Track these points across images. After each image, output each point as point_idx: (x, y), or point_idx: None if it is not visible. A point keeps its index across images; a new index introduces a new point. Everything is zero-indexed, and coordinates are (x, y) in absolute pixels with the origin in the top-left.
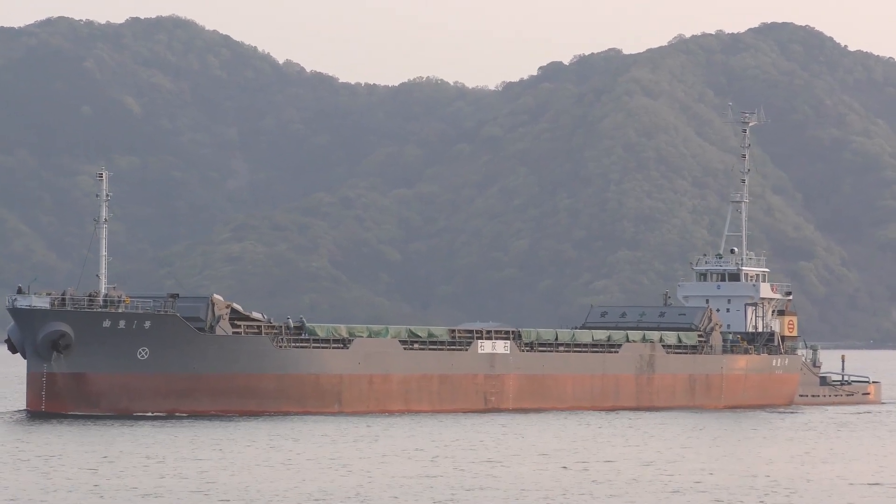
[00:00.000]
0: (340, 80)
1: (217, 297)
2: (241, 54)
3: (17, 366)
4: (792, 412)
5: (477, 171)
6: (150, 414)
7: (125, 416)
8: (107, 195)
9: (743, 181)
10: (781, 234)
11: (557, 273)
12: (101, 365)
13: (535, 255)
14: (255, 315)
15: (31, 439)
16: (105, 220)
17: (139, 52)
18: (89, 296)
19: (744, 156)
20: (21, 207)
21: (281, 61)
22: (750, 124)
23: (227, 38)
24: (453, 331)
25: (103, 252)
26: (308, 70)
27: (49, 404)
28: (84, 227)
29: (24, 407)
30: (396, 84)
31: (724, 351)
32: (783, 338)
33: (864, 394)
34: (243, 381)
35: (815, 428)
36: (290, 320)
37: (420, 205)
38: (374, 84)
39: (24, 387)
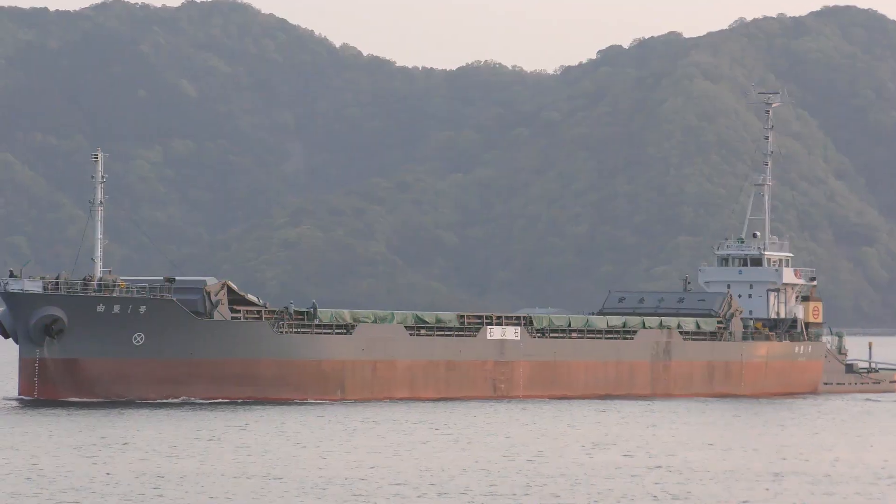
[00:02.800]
0: (397, 64)
1: (211, 280)
2: (298, 38)
3: (9, 351)
4: (816, 400)
5: (535, 156)
6: (145, 400)
7: (120, 402)
8: (102, 177)
9: (766, 163)
10: (843, 219)
11: (616, 259)
12: (96, 350)
13: (593, 241)
14: (251, 298)
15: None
16: (100, 202)
17: (195, 36)
18: (83, 280)
19: (766, 137)
20: (76, 192)
21: (337, 45)
22: (773, 105)
23: (283, 21)
24: (462, 316)
25: (98, 235)
26: (365, 54)
27: (42, 390)
28: (139, 212)
29: (17, 394)
30: (454, 68)
31: (745, 338)
32: (807, 324)
33: (891, 381)
34: (241, 367)
35: (835, 414)
36: (293, 305)
37: (477, 189)
38: (431, 68)
39: (15, 373)
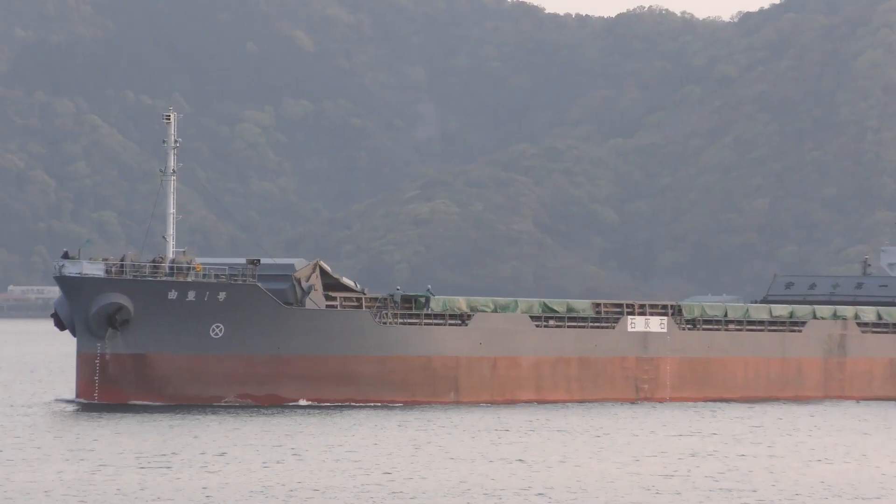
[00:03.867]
0: (547, 11)
1: (301, 263)
2: None
3: (66, 345)
4: None
5: (707, 118)
6: (224, 403)
7: (196, 405)
8: (175, 141)
9: None
10: None
11: (803, 238)
12: (166, 344)
13: (776, 217)
14: (347, 282)
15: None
16: (173, 170)
17: None
18: (153, 262)
19: None
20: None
21: None
22: None
23: None
24: (598, 304)
25: (171, 209)
26: None
27: (103, 392)
28: (247, 184)
29: (74, 396)
30: (613, 15)
31: None
32: None
33: None
34: (338, 365)
35: None
36: (399, 291)
37: (640, 157)
38: (586, 15)
39: (73, 371)
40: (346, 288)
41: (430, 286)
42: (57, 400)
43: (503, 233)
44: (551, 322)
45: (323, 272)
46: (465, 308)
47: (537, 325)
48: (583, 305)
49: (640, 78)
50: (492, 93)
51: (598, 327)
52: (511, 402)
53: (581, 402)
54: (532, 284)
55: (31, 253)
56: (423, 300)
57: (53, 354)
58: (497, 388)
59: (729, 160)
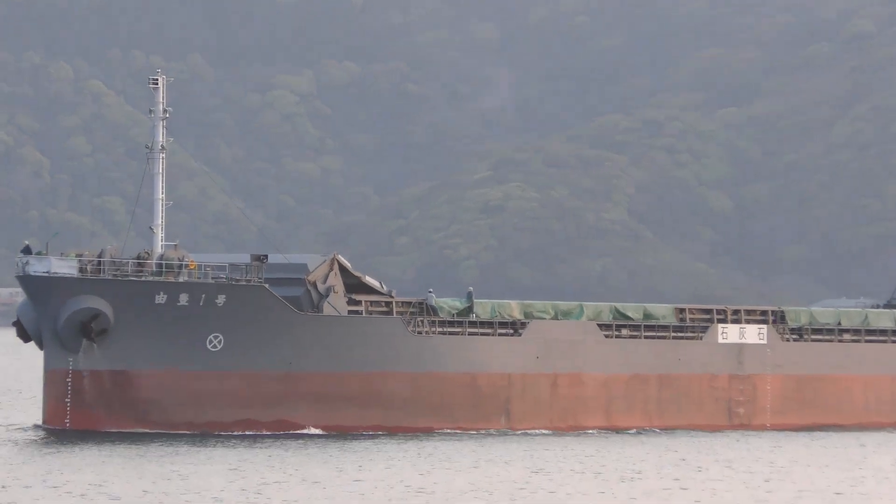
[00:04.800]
0: None
1: (314, 259)
2: None
3: (32, 359)
4: None
5: (839, 83)
6: (223, 432)
7: (188, 433)
8: (164, 111)
9: None
10: None
11: None
12: (153, 359)
13: None
14: (371, 281)
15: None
16: (161, 145)
17: None
18: (137, 258)
19: None
20: (196, 134)
21: None
22: None
23: None
24: (681, 310)
25: (159, 193)
26: None
27: (77, 417)
28: (281, 164)
29: (41, 421)
30: None
31: None
32: None
33: None
34: (363, 384)
35: None
36: (433, 295)
37: (757, 131)
38: None
39: (39, 391)
40: (369, 289)
41: (471, 288)
42: (20, 429)
43: (591, 223)
44: (624, 331)
45: (342, 269)
46: (517, 314)
47: (607, 335)
48: (663, 311)
49: (756, 34)
50: (577, 53)
51: (681, 338)
52: (574, 430)
53: (661, 428)
54: (625, 286)
55: (21, 247)
56: (464, 305)
57: (17, 370)
58: (557, 412)
59: (866, 134)
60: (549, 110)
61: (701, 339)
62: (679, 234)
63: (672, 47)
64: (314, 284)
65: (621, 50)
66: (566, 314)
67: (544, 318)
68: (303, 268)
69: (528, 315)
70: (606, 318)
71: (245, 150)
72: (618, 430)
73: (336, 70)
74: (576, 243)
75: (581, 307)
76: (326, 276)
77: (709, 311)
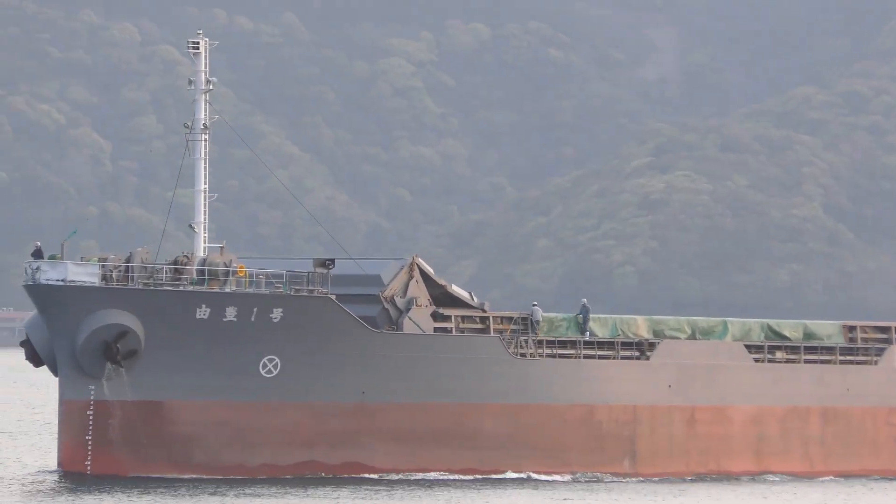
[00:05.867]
0: None
1: (392, 267)
2: None
3: (47, 387)
4: None
5: None
6: (279, 477)
7: (237, 479)
8: (207, 81)
9: None
10: None
11: None
12: (193, 387)
13: None
14: (458, 291)
15: None
16: (204, 124)
17: None
18: (174, 262)
19: None
20: (287, 111)
21: None
22: None
23: None
24: (852, 328)
25: (202, 184)
26: None
27: (99, 460)
28: (395, 148)
29: (55, 465)
30: None
31: None
32: None
33: None
34: (453, 418)
35: None
36: (538, 309)
37: None
38: None
39: (54, 427)
40: (456, 300)
41: (584, 299)
42: (32, 473)
43: (778, 220)
44: (779, 354)
45: (424, 276)
46: (645, 333)
47: (757, 359)
48: (829, 329)
49: None
50: (756, 14)
51: (851, 362)
52: (717, 475)
53: (824, 475)
54: (821, 298)
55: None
56: (577, 320)
57: (27, 398)
58: (695, 454)
59: None
60: (722, 82)
61: (876, 363)
62: (888, 235)
63: (876, 6)
64: (391, 300)
65: (812, 6)
66: (706, 333)
67: (679, 338)
68: (376, 280)
69: (657, 334)
70: (757, 337)
71: (350, 131)
72: (770, 475)
73: (461, 33)
74: (758, 246)
75: (725, 324)
76: (406, 287)
77: (886, 330)
